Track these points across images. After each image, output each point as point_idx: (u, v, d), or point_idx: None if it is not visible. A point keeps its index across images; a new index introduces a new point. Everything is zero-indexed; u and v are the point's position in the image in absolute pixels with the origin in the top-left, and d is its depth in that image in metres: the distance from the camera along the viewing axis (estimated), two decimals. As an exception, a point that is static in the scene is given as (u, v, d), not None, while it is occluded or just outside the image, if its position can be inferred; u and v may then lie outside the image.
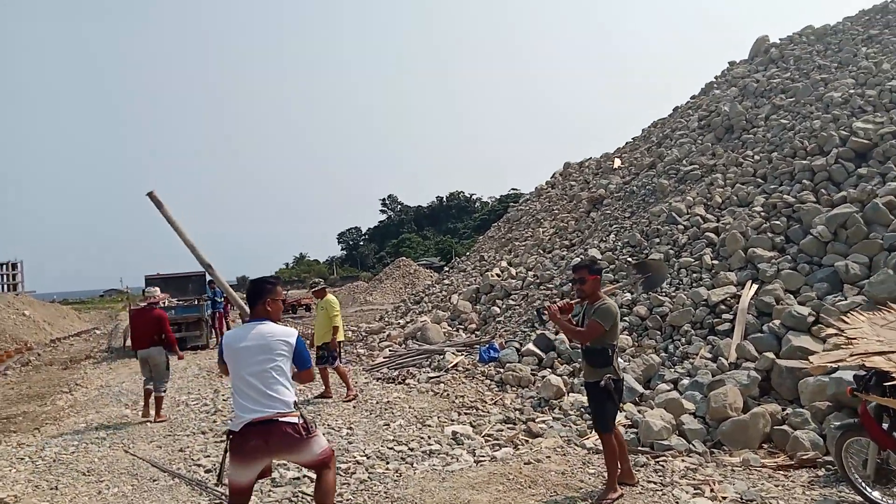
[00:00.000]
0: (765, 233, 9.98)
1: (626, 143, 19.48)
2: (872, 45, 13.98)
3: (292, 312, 36.24)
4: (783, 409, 7.03)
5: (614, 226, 13.44)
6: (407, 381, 10.53)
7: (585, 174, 19.19)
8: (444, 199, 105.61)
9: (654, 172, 14.55)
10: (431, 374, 10.64)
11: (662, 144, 16.05)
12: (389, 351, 13.22)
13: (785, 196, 10.39)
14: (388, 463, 6.47)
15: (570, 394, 8.71)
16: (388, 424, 7.95)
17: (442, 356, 11.48)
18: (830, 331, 4.43)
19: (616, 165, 17.46)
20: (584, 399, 8.39)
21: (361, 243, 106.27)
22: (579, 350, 5.74)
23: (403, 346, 13.59)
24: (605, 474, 5.35)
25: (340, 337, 10.16)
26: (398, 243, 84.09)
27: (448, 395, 9.33)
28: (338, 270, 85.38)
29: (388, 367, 11.74)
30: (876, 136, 10.23)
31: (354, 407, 9.11)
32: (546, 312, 5.48)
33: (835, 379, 6.62)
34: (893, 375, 3.85)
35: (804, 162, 10.80)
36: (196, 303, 17.12)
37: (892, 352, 4.01)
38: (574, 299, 5.51)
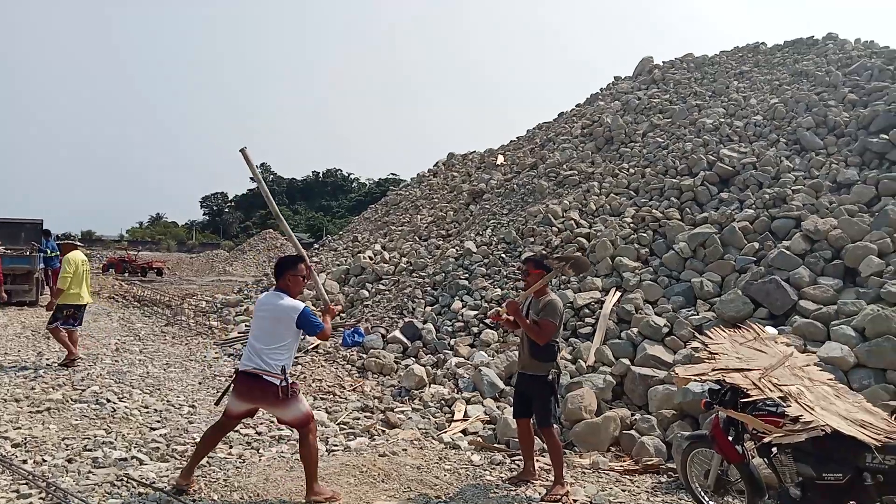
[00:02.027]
0: (632, 243, 10.36)
1: (511, 142, 19.75)
2: (743, 80, 15.06)
3: (142, 275, 33.65)
4: (632, 415, 7.25)
5: (492, 221, 13.49)
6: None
7: (468, 167, 19.22)
8: (321, 174, 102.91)
9: (536, 173, 14.78)
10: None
11: (545, 147, 16.38)
12: (245, 325, 12.43)
13: (653, 210, 10.86)
14: (231, 447, 5.92)
15: (433, 385, 8.54)
16: (236, 404, 7.35)
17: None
18: (695, 344, 4.47)
19: (499, 162, 17.61)
20: (445, 391, 8.28)
21: (227, 210, 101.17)
22: (518, 343, 5.52)
23: (262, 321, 12.84)
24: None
25: (65, 300, 8.81)
26: (266, 214, 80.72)
27: (305, 377, 8.84)
28: (197, 236, 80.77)
29: (241, 343, 10.99)
30: (739, 164, 10.94)
31: (199, 383, 8.38)
32: (490, 317, 5.51)
33: (682, 390, 6.94)
34: (749, 392, 3.94)
35: (674, 180, 11.36)
36: (27, 253, 15.22)
37: (749, 369, 4.11)
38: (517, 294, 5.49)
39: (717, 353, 4.25)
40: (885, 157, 9.99)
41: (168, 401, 7.38)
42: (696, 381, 4.24)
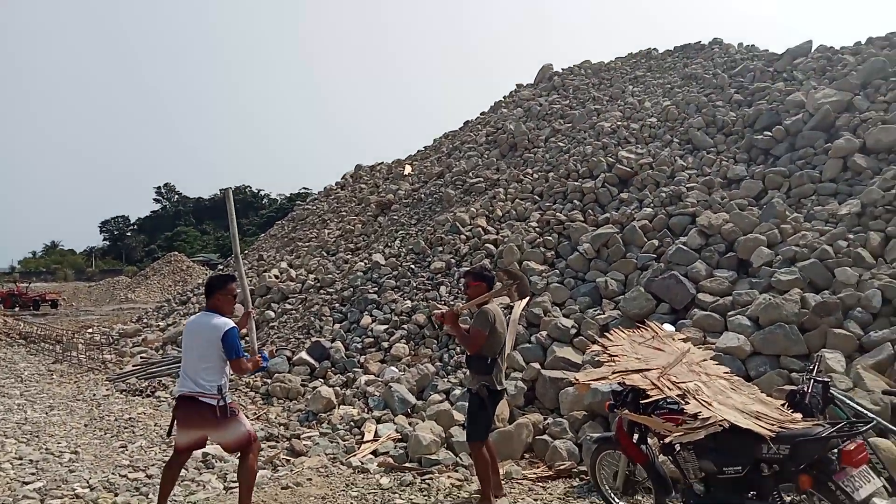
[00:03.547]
0: (538, 247, 10.39)
1: (418, 151, 19.63)
2: (638, 84, 15.58)
3: (34, 308, 31.24)
4: (545, 419, 7.19)
5: (400, 232, 13.26)
6: (157, 394, 9.21)
7: (376, 178, 18.94)
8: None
9: (443, 182, 14.70)
10: (188, 385, 9.44)
11: (452, 155, 16.34)
12: (142, 358, 11.62)
13: (558, 214, 10.96)
14: (116, 495, 5.39)
15: (342, 406, 8.19)
16: (126, 446, 6.77)
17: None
18: (595, 347, 4.39)
19: (406, 172, 17.44)
20: (354, 412, 7.95)
21: (129, 234, 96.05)
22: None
23: (160, 352, 12.06)
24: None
25: None
26: (172, 236, 77.12)
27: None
28: (97, 262, 76.17)
29: (136, 377, 10.24)
30: (636, 165, 11.22)
31: (86, 426, 7.68)
32: (436, 316, 5.40)
33: (591, 390, 6.92)
34: (648, 393, 3.88)
35: (576, 183, 11.52)
36: None
37: (648, 369, 4.07)
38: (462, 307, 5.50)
39: (616, 356, 4.18)
40: (769, 152, 10.50)
41: (47, 449, 6.70)
42: (596, 385, 4.15)
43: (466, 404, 7.57)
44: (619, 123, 13.14)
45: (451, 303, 9.94)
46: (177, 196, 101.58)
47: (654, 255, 9.15)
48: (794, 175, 9.50)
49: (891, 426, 4.40)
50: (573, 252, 10.02)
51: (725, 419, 3.64)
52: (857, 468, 3.47)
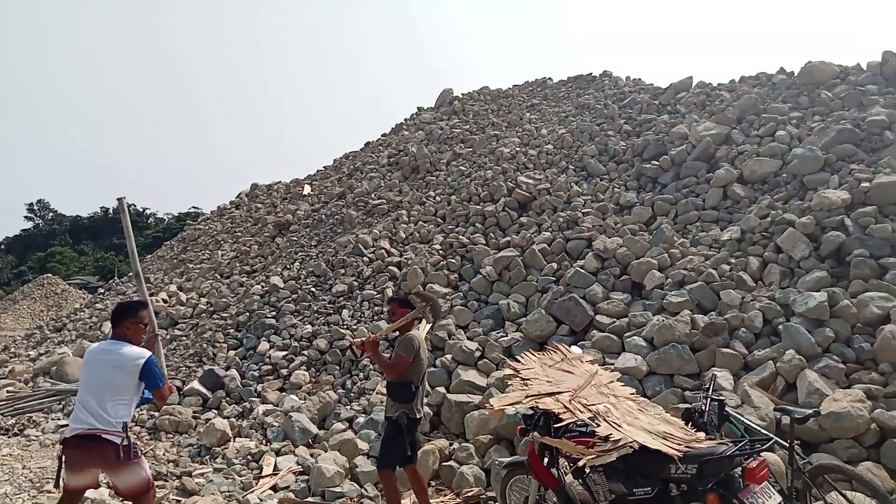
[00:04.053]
0: (442, 270, 10.40)
1: (318, 171, 19.25)
2: (534, 111, 16.11)
3: None
4: (451, 444, 7.11)
5: (300, 253, 12.87)
6: (27, 432, 8.32)
7: (274, 198, 18.36)
8: (111, 210, 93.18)
9: (344, 203, 14.46)
10: (63, 422, 8.60)
11: (353, 176, 16.14)
12: (7, 392, 10.49)
13: (460, 237, 11.04)
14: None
15: (238, 439, 7.74)
16: (-13, 493, 6.03)
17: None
18: (507, 371, 4.39)
19: (306, 192, 17.02)
20: (251, 444, 7.54)
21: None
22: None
23: (31, 384, 10.95)
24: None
25: None
26: (46, 257, 70.94)
27: (81, 446, 7.54)
28: (-45, 286, 68.85)
29: (2, 413, 9.22)
30: (535, 190, 11.53)
31: (-63, 471, 6.79)
32: (356, 345, 5.33)
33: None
34: (561, 416, 3.90)
35: (478, 207, 11.68)
36: None
37: (560, 392, 4.09)
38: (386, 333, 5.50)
39: (528, 379, 4.18)
40: (657, 181, 11.12)
41: None
42: (511, 410, 4.13)
43: (372, 433, 7.40)
44: (517, 149, 13.49)
45: (354, 327, 9.71)
46: (51, 214, 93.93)
47: (554, 278, 9.39)
48: (679, 202, 10.10)
49: (782, 442, 4.66)
50: (476, 275, 10.10)
51: (636, 440, 3.71)
52: (759, 484, 3.63)
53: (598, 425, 3.86)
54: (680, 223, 9.78)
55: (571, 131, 13.52)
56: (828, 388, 6.09)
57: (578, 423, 4.09)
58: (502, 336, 8.68)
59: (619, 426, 3.87)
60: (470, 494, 6.14)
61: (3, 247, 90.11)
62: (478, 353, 8.39)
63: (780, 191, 9.33)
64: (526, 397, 3.98)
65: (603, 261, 9.13)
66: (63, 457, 4.00)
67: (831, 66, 11.86)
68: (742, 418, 5.12)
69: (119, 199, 5.59)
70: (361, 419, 7.83)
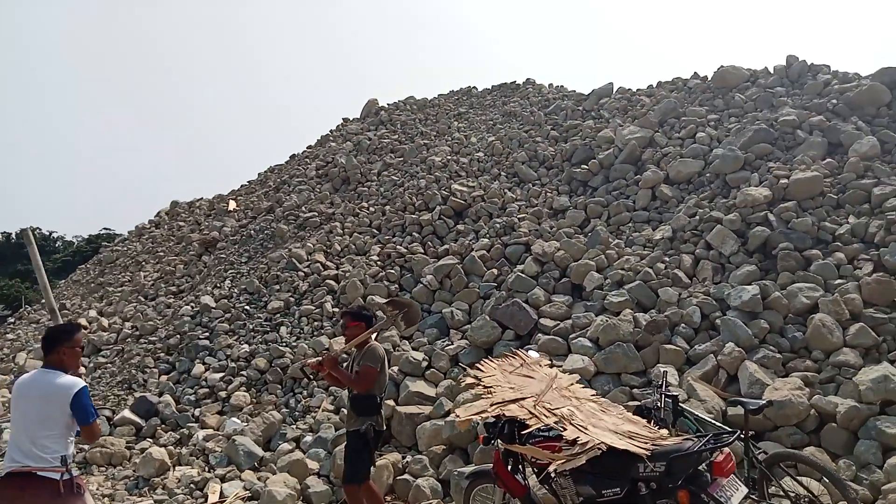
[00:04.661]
0: (381, 280, 10.27)
1: (242, 186, 18.66)
2: (462, 120, 16.21)
3: None
4: (403, 457, 7.01)
5: (230, 271, 12.41)
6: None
7: (196, 215, 17.65)
8: (14, 235, 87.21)
9: (273, 217, 14.06)
10: (-22, 463, 7.91)
11: (280, 190, 15.74)
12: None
13: (398, 246, 10.95)
14: None
15: (178, 467, 7.34)
16: None
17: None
18: (469, 380, 4.34)
19: (231, 208, 16.45)
20: (194, 472, 7.17)
21: None
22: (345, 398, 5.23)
23: (-65, 425, 10.02)
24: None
25: None
26: (-23, 282, 65.61)
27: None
28: None
29: None
30: (469, 197, 11.58)
31: None
32: (310, 367, 5.15)
33: (449, 422, 6.89)
34: (527, 423, 3.88)
35: (413, 216, 11.61)
36: None
37: (523, 398, 4.08)
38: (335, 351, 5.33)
39: (491, 387, 4.15)
40: (587, 184, 11.40)
41: None
42: (478, 420, 4.08)
43: (322, 451, 7.18)
44: (448, 157, 13.53)
45: (294, 343, 9.43)
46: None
47: (495, 284, 9.44)
48: (611, 204, 10.38)
49: (743, 434, 4.78)
50: (417, 284, 10.03)
51: (603, 442, 3.73)
52: (726, 478, 3.72)
53: (565, 429, 3.86)
54: (613, 224, 10.05)
55: (500, 138, 13.68)
56: (767, 378, 6.37)
57: (542, 428, 4.08)
58: (448, 344, 8.63)
59: (585, 429, 3.88)
60: (429, 507, 6.05)
61: None
62: (425, 363, 8.31)
63: (704, 190, 9.75)
64: (491, 405, 3.94)
65: (542, 264, 9.25)
66: None
67: (741, 70, 12.53)
68: (695, 413, 5.26)
69: (24, 231, 5.35)
70: (309, 438, 7.59)
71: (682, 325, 7.39)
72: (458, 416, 3.95)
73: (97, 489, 6.93)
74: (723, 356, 6.71)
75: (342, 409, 8.01)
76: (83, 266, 19.51)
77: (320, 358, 5.11)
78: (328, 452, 7.19)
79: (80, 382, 3.89)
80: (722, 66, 12.58)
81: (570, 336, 7.81)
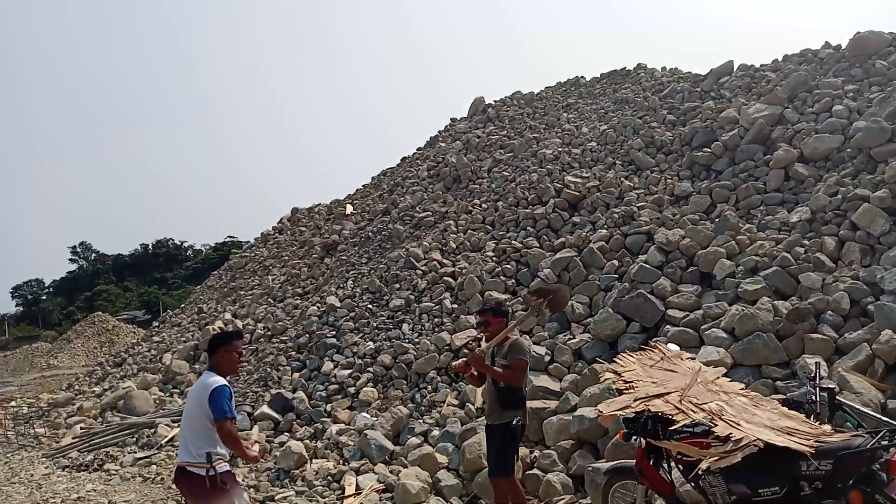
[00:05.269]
0: (498, 276, 10.25)
1: (357, 191, 19.30)
2: (571, 111, 15.88)
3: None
4: (531, 452, 6.95)
5: (351, 272, 12.86)
6: (106, 467, 8.42)
7: (316, 220, 18.46)
8: (151, 246, 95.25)
9: (389, 219, 14.43)
10: (140, 455, 8.71)
11: (394, 192, 16.12)
12: (81, 428, 10.67)
13: (513, 242, 10.89)
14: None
15: (314, 460, 7.69)
16: (79, 531, 6.06)
17: (153, 430, 9.52)
18: (609, 375, 4.23)
19: (349, 211, 17.07)
20: (330, 465, 7.48)
21: (44, 297, 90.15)
22: (493, 391, 5.11)
23: (100, 420, 11.13)
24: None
25: None
26: (92, 296, 72.63)
27: (164, 479, 7.59)
28: (10, 330, 70.97)
29: (78, 450, 9.36)
30: (584, 189, 11.32)
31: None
32: (456, 369, 5.30)
33: (577, 417, 6.75)
34: (675, 418, 3.71)
35: (526, 210, 11.51)
36: None
37: (668, 393, 3.92)
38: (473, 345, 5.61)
39: (633, 381, 4.01)
40: (711, 168, 10.81)
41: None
42: (621, 415, 3.96)
43: (450, 445, 7.27)
44: (560, 150, 13.29)
45: (417, 340, 9.62)
46: (94, 254, 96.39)
47: (616, 276, 9.16)
48: (739, 188, 9.78)
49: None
50: (533, 278, 9.92)
51: (759, 438, 3.51)
52: None
53: (715, 425, 3.67)
54: (742, 209, 9.47)
55: (613, 126, 13.26)
56: (932, 367, 5.78)
57: (688, 423, 3.90)
58: (570, 338, 8.49)
59: (738, 424, 3.67)
60: (562, 503, 5.96)
61: (51, 290, 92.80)
62: (547, 358, 8.22)
63: (846, 166, 8.97)
64: (635, 400, 3.81)
65: (667, 254, 8.87)
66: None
67: (882, 35, 11.41)
68: (855, 406, 4.84)
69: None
70: (436, 432, 7.71)
71: (829, 312, 6.83)
72: (600, 412, 3.85)
73: (242, 481, 7.38)
74: (879, 344, 6.13)
75: (467, 404, 8.08)
76: (216, 272, 20.93)
77: (465, 359, 5.11)
78: (456, 447, 7.27)
79: (220, 381, 4.13)
80: (859, 33, 11.53)
81: (702, 327, 7.43)
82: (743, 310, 7.10)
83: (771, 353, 6.63)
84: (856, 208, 7.88)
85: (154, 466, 8.34)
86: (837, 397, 4.74)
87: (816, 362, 5.37)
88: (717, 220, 9.24)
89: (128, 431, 9.81)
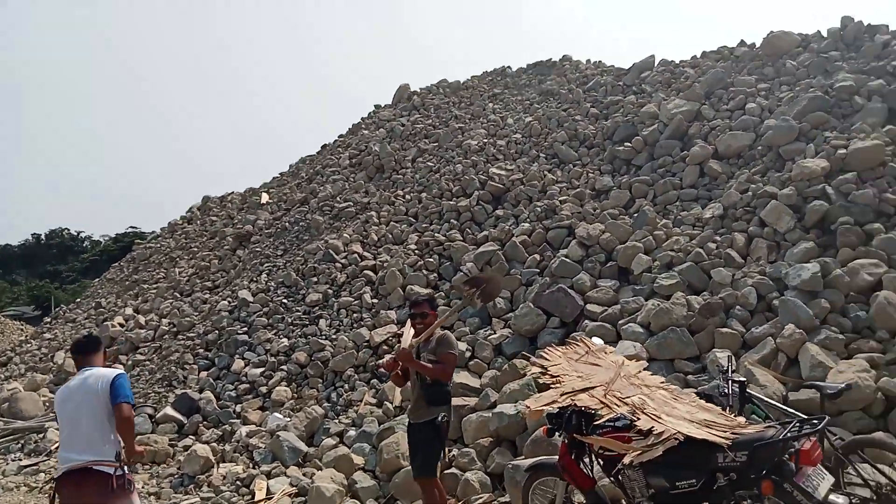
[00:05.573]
0: (420, 270, 10.03)
1: (273, 179, 18.57)
2: (497, 101, 15.79)
3: None
4: (449, 451, 6.77)
5: (266, 264, 12.30)
6: (-12, 475, 7.64)
7: (228, 209, 17.62)
8: (43, 237, 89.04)
9: (307, 209, 13.91)
10: (26, 462, 7.95)
11: (314, 181, 15.57)
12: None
13: (436, 234, 10.68)
14: None
15: (222, 464, 7.23)
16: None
17: (42, 435, 8.73)
18: (534, 370, 4.10)
19: (264, 200, 16.37)
20: (239, 469, 7.04)
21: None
22: (421, 389, 4.84)
23: (-19, 424, 10.13)
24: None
25: None
26: (-17, 295, 67.33)
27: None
28: None
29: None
30: (508, 181, 11.24)
31: None
32: (385, 367, 5.09)
33: (496, 414, 6.62)
34: (601, 413, 3.60)
35: (451, 202, 11.32)
36: None
37: (593, 387, 3.80)
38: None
39: (559, 376, 3.87)
40: (631, 162, 10.95)
41: None
42: (549, 410, 3.82)
43: (366, 446, 6.99)
44: (485, 141, 13.18)
45: (333, 336, 9.26)
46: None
47: (538, 270, 9.12)
48: (657, 183, 9.94)
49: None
50: (456, 272, 9.76)
51: (679, 432, 3.45)
52: (812, 466, 3.42)
53: (637, 419, 3.58)
54: (660, 204, 9.62)
55: (538, 119, 13.26)
56: (830, 361, 5.97)
57: (611, 417, 3.81)
58: (491, 333, 8.37)
59: (659, 418, 3.60)
60: (480, 501, 5.81)
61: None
62: (468, 354, 8.06)
63: (756, 164, 9.26)
64: (561, 395, 3.67)
65: (587, 248, 8.89)
66: (55, 495, 3.82)
67: (792, 35, 11.89)
68: (764, 398, 4.92)
69: None
70: (352, 432, 7.42)
71: (738, 307, 6.99)
72: (528, 407, 3.69)
73: (143, 487, 6.85)
74: (782, 339, 6.31)
75: (385, 403, 7.82)
76: (117, 264, 19.69)
77: (392, 356, 4.89)
78: (373, 447, 7.00)
79: (118, 369, 4.06)
80: (771, 32, 11.95)
81: (620, 322, 7.47)
82: (658, 305, 7.17)
83: (684, 347, 6.71)
84: (764, 205, 8.11)
85: (42, 475, 7.63)
86: (748, 390, 4.79)
87: (728, 356, 5.43)
88: (635, 214, 9.35)
89: (12, 437, 8.96)
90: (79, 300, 18.65)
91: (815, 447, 3.43)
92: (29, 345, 15.19)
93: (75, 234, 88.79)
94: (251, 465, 7.10)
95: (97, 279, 20.72)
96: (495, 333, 8.34)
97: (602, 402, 3.63)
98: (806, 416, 3.87)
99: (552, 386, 3.79)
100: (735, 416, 4.27)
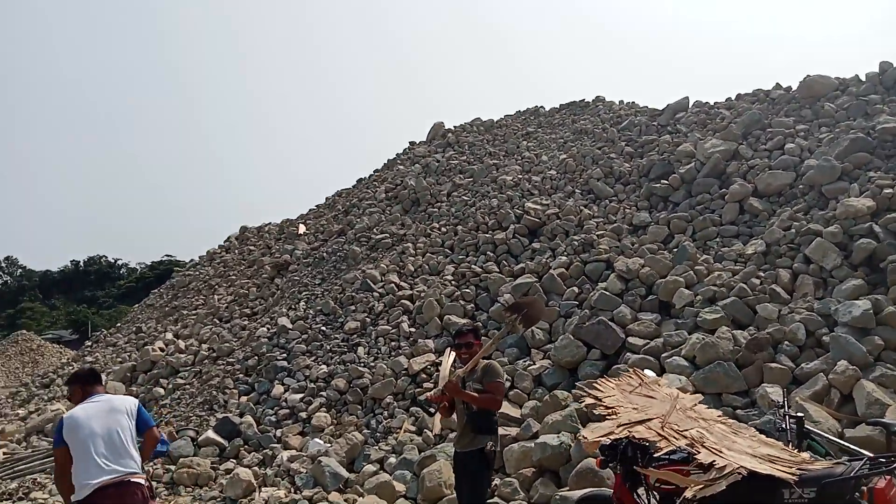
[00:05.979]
0: (457, 300, 10.11)
1: (310, 210, 18.93)
2: (531, 139, 16.02)
3: None
4: (491, 481, 6.74)
5: (304, 292, 12.49)
6: (33, 495, 7.77)
7: (266, 239, 17.97)
8: (82, 263, 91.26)
9: (345, 239, 14.14)
10: (70, 481, 8.05)
11: (350, 213, 15.85)
12: (4, 454, 9.88)
13: (473, 266, 10.78)
14: None
15: (264, 488, 7.28)
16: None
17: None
18: (589, 401, 4.11)
19: (301, 231, 16.67)
20: (281, 493, 7.09)
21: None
22: (466, 415, 4.77)
23: (25, 445, 10.35)
24: None
25: None
26: (16, 313, 68.71)
27: (97, 508, 7.03)
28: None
29: (1, 477, 8.63)
30: (544, 215, 11.35)
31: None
32: (433, 400, 4.98)
33: (539, 444, 6.63)
34: (659, 445, 3.60)
35: (486, 235, 11.45)
36: None
37: (650, 419, 3.80)
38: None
39: (614, 408, 3.89)
40: (668, 199, 11.00)
41: None
42: (604, 441, 3.83)
43: (407, 473, 7.00)
44: (520, 176, 13.35)
45: (372, 364, 9.34)
46: (20, 270, 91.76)
47: (576, 302, 9.15)
48: (695, 220, 9.97)
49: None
50: (493, 303, 9.83)
51: (743, 466, 3.43)
52: None
53: (697, 452, 3.57)
54: (699, 240, 9.63)
55: (573, 156, 13.41)
56: (888, 398, 5.90)
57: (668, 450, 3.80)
58: (530, 364, 8.40)
59: (720, 452, 3.58)
60: (524, 533, 5.78)
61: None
62: (507, 384, 8.07)
63: (798, 202, 9.25)
64: (618, 426, 3.68)
65: (626, 282, 8.92)
66: None
67: (830, 79, 11.97)
68: (824, 435, 4.86)
69: None
70: (393, 459, 7.45)
71: (786, 342, 6.95)
72: (584, 437, 3.71)
73: (186, 510, 6.93)
74: (835, 375, 6.26)
75: (425, 431, 7.84)
76: (156, 290, 20.09)
77: (441, 388, 4.81)
78: (414, 474, 7.02)
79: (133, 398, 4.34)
80: (808, 76, 12.05)
81: (663, 355, 7.46)
82: (703, 339, 7.15)
83: (731, 381, 6.67)
84: (809, 242, 8.11)
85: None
86: (806, 425, 4.75)
87: (784, 391, 5.40)
88: (674, 250, 9.37)
89: (57, 457, 9.12)
90: (119, 325, 19.03)
91: (891, 486, 3.35)
92: (71, 367, 15.49)
93: (112, 261, 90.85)
94: (293, 490, 7.14)
95: (136, 304, 21.15)
96: (535, 364, 8.36)
97: (660, 434, 3.62)
98: (872, 455, 3.81)
99: (608, 417, 3.80)
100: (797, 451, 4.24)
